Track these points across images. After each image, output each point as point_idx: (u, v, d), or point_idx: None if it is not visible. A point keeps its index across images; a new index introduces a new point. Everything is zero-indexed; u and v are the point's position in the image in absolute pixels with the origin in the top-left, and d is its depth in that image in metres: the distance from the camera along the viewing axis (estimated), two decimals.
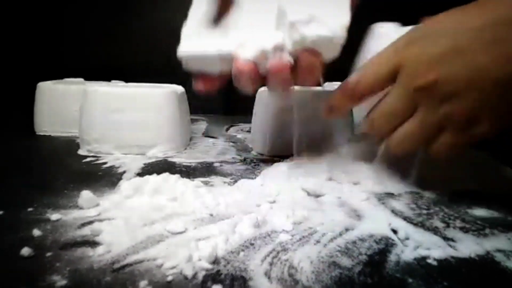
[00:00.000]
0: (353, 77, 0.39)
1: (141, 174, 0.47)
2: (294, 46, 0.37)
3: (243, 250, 0.29)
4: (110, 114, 0.55)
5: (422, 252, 0.29)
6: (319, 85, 0.41)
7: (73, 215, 0.34)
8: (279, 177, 0.44)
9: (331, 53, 0.38)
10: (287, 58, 0.38)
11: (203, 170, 0.49)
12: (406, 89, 0.36)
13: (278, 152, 0.54)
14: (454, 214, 0.36)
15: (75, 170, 0.48)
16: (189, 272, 0.25)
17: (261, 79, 0.39)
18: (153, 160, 0.54)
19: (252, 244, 0.30)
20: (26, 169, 0.49)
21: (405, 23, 0.51)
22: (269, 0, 0.40)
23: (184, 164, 0.52)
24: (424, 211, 0.37)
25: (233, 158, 0.55)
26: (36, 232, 0.30)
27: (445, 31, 0.35)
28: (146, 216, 0.33)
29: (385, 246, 0.30)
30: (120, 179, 0.44)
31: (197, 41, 0.41)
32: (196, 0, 0.43)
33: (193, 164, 0.52)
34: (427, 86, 0.34)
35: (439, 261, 0.28)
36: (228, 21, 0.41)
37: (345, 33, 0.37)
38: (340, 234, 0.31)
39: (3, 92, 0.87)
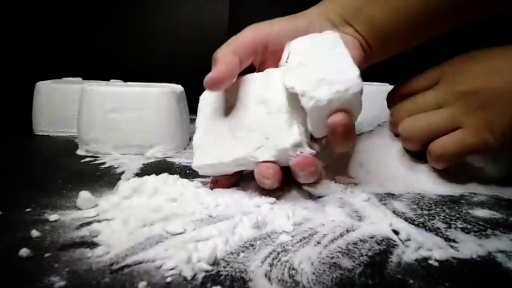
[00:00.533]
0: (406, 80, 0.47)
1: (140, 174, 0.46)
2: (312, 113, 0.35)
3: (243, 251, 0.28)
4: (108, 114, 0.55)
5: (423, 253, 0.29)
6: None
7: (71, 215, 0.34)
8: None
9: (354, 108, 0.36)
10: (310, 151, 0.36)
11: None
12: (445, 90, 0.42)
13: None
14: (456, 215, 0.36)
15: (73, 170, 0.48)
16: (188, 273, 0.25)
17: (285, 172, 0.38)
18: (152, 160, 0.54)
19: (252, 245, 0.29)
20: (24, 169, 0.49)
21: None
22: (272, 90, 0.39)
23: (184, 164, 0.52)
24: (426, 212, 0.36)
25: None
26: (35, 233, 0.30)
27: (487, 53, 0.42)
28: (145, 217, 0.33)
29: (386, 247, 0.29)
30: (118, 179, 0.44)
31: (210, 150, 0.40)
32: (200, 108, 0.42)
33: None
34: (467, 92, 0.41)
35: (441, 262, 0.28)
36: (236, 121, 0.39)
37: (360, 80, 0.35)
38: (341, 235, 0.31)
39: (1, 91, 0.87)
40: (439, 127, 0.41)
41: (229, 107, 0.41)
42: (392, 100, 0.48)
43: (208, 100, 0.42)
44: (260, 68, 0.44)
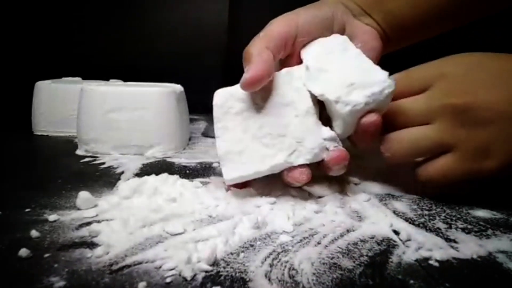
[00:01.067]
0: (394, 77, 0.39)
1: (139, 174, 0.46)
2: (346, 118, 0.35)
3: (243, 252, 0.28)
4: (108, 114, 0.54)
5: (424, 253, 0.29)
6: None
7: (71, 216, 0.34)
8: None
9: (382, 106, 0.36)
10: (343, 148, 0.37)
11: (203, 171, 0.49)
12: (436, 101, 0.36)
13: None
14: (456, 215, 0.36)
15: (73, 171, 0.48)
16: (188, 274, 0.25)
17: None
18: (152, 160, 0.54)
19: (252, 246, 0.29)
20: (24, 169, 0.49)
21: None
22: (295, 92, 0.38)
23: (183, 164, 0.52)
24: (426, 212, 0.36)
25: None
26: (34, 233, 0.30)
27: (490, 59, 0.37)
28: (145, 217, 0.33)
29: (386, 247, 0.29)
30: (118, 179, 0.44)
31: (239, 161, 0.38)
32: (217, 116, 0.39)
33: (192, 165, 0.51)
34: (461, 106, 0.35)
35: (441, 262, 0.28)
36: (260, 125, 0.38)
37: (390, 80, 0.35)
38: (341, 235, 0.31)
39: (1, 91, 0.87)
40: (424, 149, 0.37)
41: (248, 111, 0.39)
42: None
43: (223, 106, 0.39)
44: (286, 61, 0.43)
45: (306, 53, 0.40)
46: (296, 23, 0.41)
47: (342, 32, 0.43)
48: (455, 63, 0.38)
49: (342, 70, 0.36)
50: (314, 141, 0.36)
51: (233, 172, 0.38)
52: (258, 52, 0.38)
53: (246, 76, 0.36)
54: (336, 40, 0.40)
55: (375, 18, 0.43)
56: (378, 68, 0.36)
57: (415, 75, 0.39)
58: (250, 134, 0.38)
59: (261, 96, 0.38)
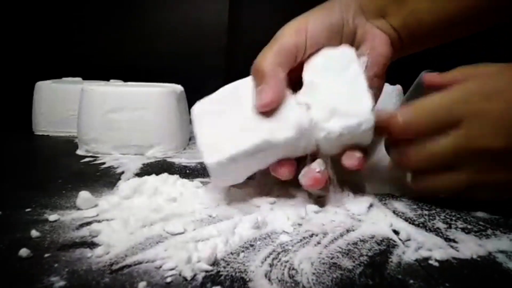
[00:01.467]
0: (406, 114, 0.36)
1: (139, 174, 0.46)
2: (321, 141, 0.36)
3: (243, 251, 0.28)
4: (108, 114, 0.55)
5: (423, 253, 0.29)
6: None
7: (71, 215, 0.34)
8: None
9: (364, 140, 0.36)
10: (321, 172, 0.36)
11: (203, 171, 0.49)
12: (470, 144, 0.34)
13: None
14: (456, 215, 0.36)
15: (73, 170, 0.48)
16: (188, 274, 0.25)
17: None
18: (152, 160, 0.54)
19: (252, 245, 0.29)
20: (24, 169, 0.49)
21: None
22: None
23: (183, 164, 0.52)
24: (426, 212, 0.36)
25: None
26: (34, 233, 0.30)
27: None
28: (145, 217, 0.33)
29: (386, 247, 0.29)
30: (118, 179, 0.44)
31: (219, 145, 0.36)
32: (196, 124, 0.38)
33: (193, 165, 0.52)
34: (499, 150, 0.33)
35: (441, 262, 0.28)
36: (236, 119, 0.37)
37: (372, 115, 0.34)
38: (341, 235, 0.31)
39: (1, 91, 0.87)
40: (459, 192, 0.36)
41: (228, 111, 0.38)
42: (381, 130, 0.37)
43: (200, 114, 0.38)
44: (289, 73, 0.38)
45: (307, 64, 0.39)
46: (305, 33, 0.38)
47: (352, 35, 0.40)
48: (483, 98, 0.34)
49: (332, 91, 0.36)
50: (295, 117, 0.35)
51: (214, 155, 0.36)
52: (272, 71, 0.36)
53: (261, 100, 0.35)
54: (341, 55, 0.38)
55: (391, 21, 0.41)
56: (368, 97, 0.35)
57: (438, 110, 0.35)
58: (229, 125, 0.37)
59: (243, 98, 0.38)
